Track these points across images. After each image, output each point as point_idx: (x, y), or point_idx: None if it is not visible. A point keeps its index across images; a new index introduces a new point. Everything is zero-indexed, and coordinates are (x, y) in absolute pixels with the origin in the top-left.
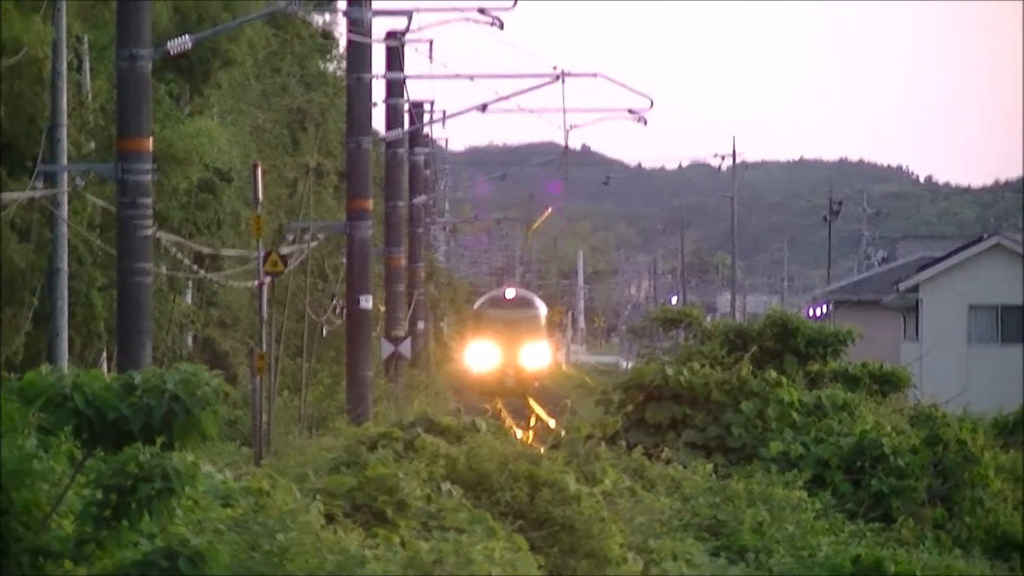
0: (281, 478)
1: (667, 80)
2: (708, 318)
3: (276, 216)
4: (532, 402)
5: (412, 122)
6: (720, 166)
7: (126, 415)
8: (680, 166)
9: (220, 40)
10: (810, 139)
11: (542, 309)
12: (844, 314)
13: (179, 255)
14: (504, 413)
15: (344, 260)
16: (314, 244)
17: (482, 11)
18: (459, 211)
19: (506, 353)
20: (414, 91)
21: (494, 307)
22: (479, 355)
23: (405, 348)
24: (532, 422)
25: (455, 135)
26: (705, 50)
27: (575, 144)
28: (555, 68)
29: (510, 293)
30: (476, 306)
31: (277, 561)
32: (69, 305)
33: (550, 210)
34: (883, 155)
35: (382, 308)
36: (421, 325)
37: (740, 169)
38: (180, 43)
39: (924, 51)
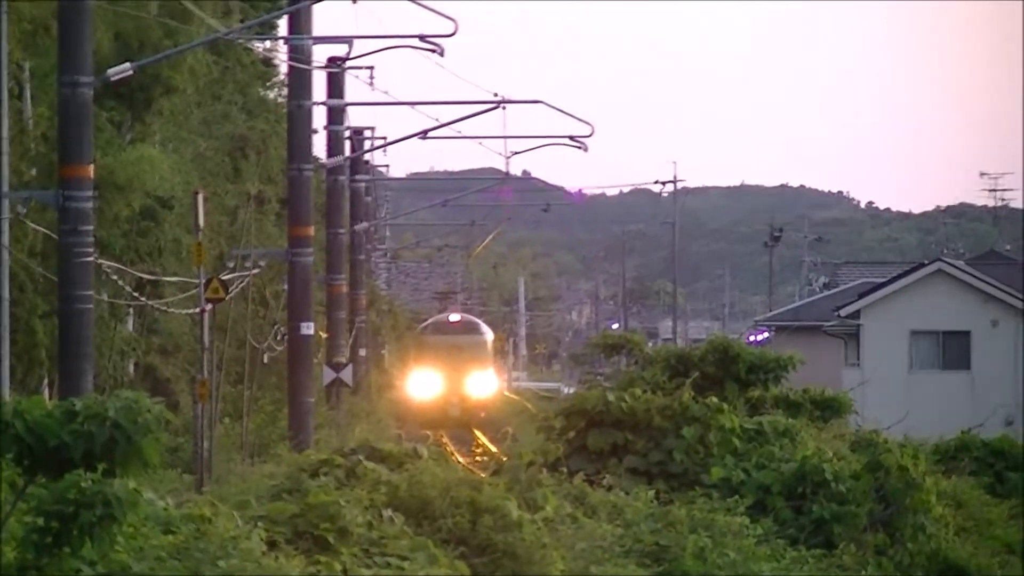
0: (223, 505)
1: (608, 107)
2: (650, 344)
3: (217, 243)
4: (478, 433)
5: (353, 149)
6: (661, 192)
7: (67, 442)
8: (621, 192)
9: (162, 67)
10: (751, 165)
11: (488, 335)
12: (785, 340)
13: (120, 282)
14: (446, 441)
15: (285, 287)
16: (255, 271)
17: (422, 38)
18: (401, 237)
19: (451, 381)
20: (355, 118)
21: (438, 332)
22: (422, 383)
23: (347, 375)
24: (477, 450)
25: (396, 162)
26: (646, 76)
27: (516, 170)
28: (496, 95)
29: (454, 317)
30: (419, 331)
31: None
32: (10, 332)
33: (497, 231)
34: (824, 181)
35: (324, 335)
36: (363, 352)
37: (681, 195)
38: (122, 70)
39: (865, 76)
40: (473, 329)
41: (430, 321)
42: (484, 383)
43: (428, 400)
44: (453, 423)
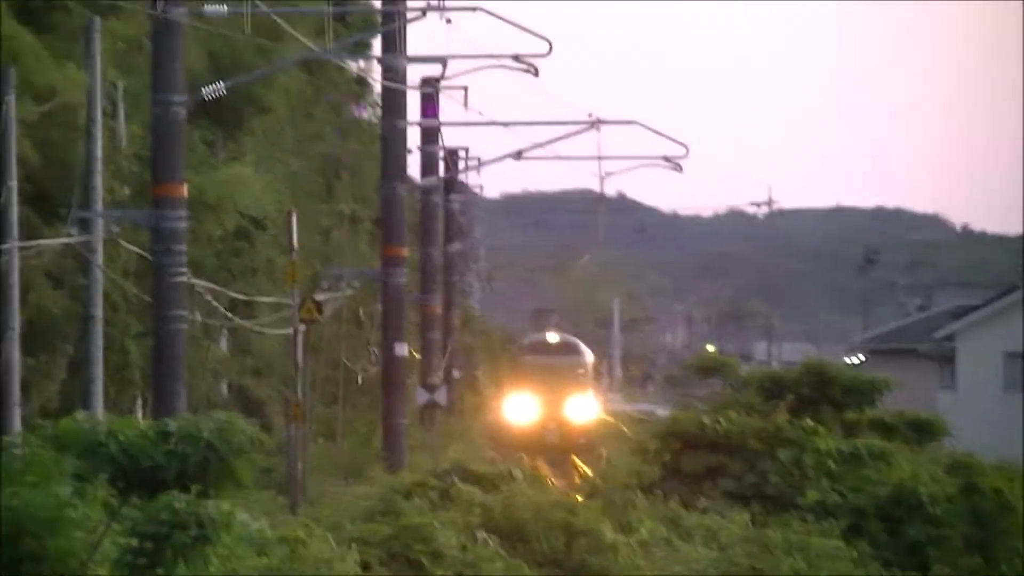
0: (317, 527)
1: (704, 127)
2: (744, 366)
3: (311, 263)
4: (575, 459)
5: (447, 169)
6: (756, 213)
7: (161, 463)
8: (716, 214)
9: (254, 87)
10: (847, 186)
11: (588, 356)
12: (880, 362)
13: (214, 302)
14: (540, 464)
15: (379, 307)
16: (349, 291)
17: (517, 58)
18: (494, 258)
19: (548, 405)
20: (449, 138)
21: (535, 353)
22: (518, 406)
23: (441, 396)
24: (572, 472)
25: (490, 182)
26: (741, 97)
27: (611, 191)
28: (590, 115)
29: (553, 337)
30: (515, 351)
31: None
32: (104, 352)
33: (587, 257)
34: (920, 202)
35: (417, 355)
36: (456, 373)
37: (776, 217)
38: (214, 89)
39: (963, 99)
40: (572, 350)
41: (526, 341)
42: (584, 407)
43: (524, 425)
44: (550, 449)
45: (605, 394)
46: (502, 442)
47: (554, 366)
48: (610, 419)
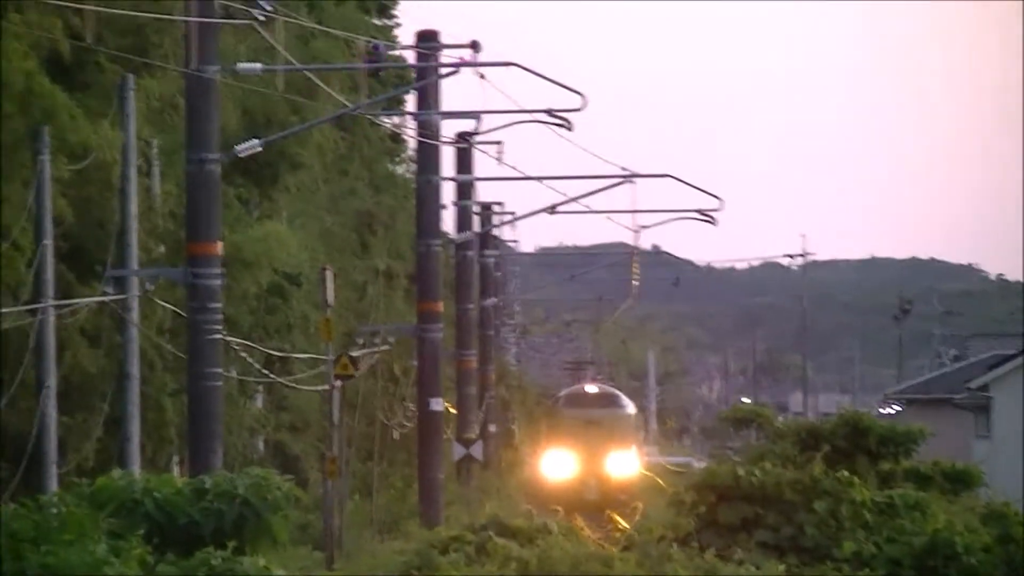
0: None
1: (737, 179)
2: (779, 417)
3: (346, 319)
4: (615, 516)
5: (482, 224)
6: (790, 265)
7: (197, 520)
8: (750, 266)
9: (289, 143)
10: (880, 237)
11: (629, 408)
12: (915, 413)
13: (249, 359)
14: (578, 520)
15: (415, 363)
16: (385, 347)
17: (551, 113)
18: (529, 312)
19: (587, 460)
20: (483, 192)
21: (573, 405)
22: (556, 463)
23: (477, 450)
24: (608, 525)
25: (525, 236)
26: (775, 149)
27: (645, 244)
28: (624, 169)
29: (591, 388)
30: (552, 404)
31: None
32: (140, 410)
33: (628, 304)
34: (954, 253)
35: (453, 410)
36: (492, 428)
37: (810, 268)
38: (249, 147)
39: (997, 147)
40: (613, 402)
41: (564, 393)
42: (625, 463)
43: (562, 481)
44: (590, 506)
45: (642, 447)
46: (539, 499)
47: (594, 419)
48: (646, 472)
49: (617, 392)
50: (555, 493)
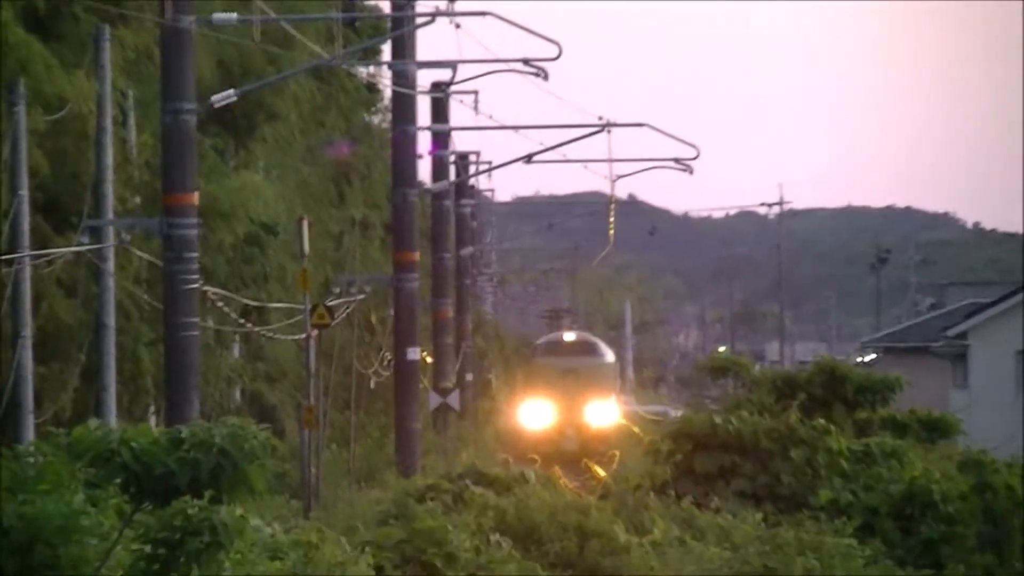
0: (330, 531)
1: (713, 128)
2: (756, 366)
3: (322, 269)
4: (594, 467)
5: (458, 173)
6: (767, 215)
7: (174, 469)
8: (727, 215)
9: (265, 94)
10: (857, 186)
11: (609, 356)
12: (892, 361)
13: (226, 309)
14: (556, 470)
15: (391, 312)
16: (361, 297)
17: (526, 62)
18: (506, 262)
19: (566, 410)
20: (460, 142)
21: (551, 354)
22: (534, 412)
23: (453, 400)
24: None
25: (501, 185)
26: (752, 98)
27: (622, 193)
28: (600, 118)
29: (570, 336)
30: (529, 352)
31: None
32: (116, 360)
33: (608, 248)
34: (930, 201)
35: (429, 360)
36: (469, 377)
37: (787, 217)
38: (225, 97)
39: (972, 95)
40: (592, 350)
41: (542, 341)
42: (605, 412)
43: (540, 431)
44: (568, 457)
45: (620, 396)
46: (517, 450)
47: (572, 368)
48: (624, 422)
49: (595, 340)
50: (533, 443)
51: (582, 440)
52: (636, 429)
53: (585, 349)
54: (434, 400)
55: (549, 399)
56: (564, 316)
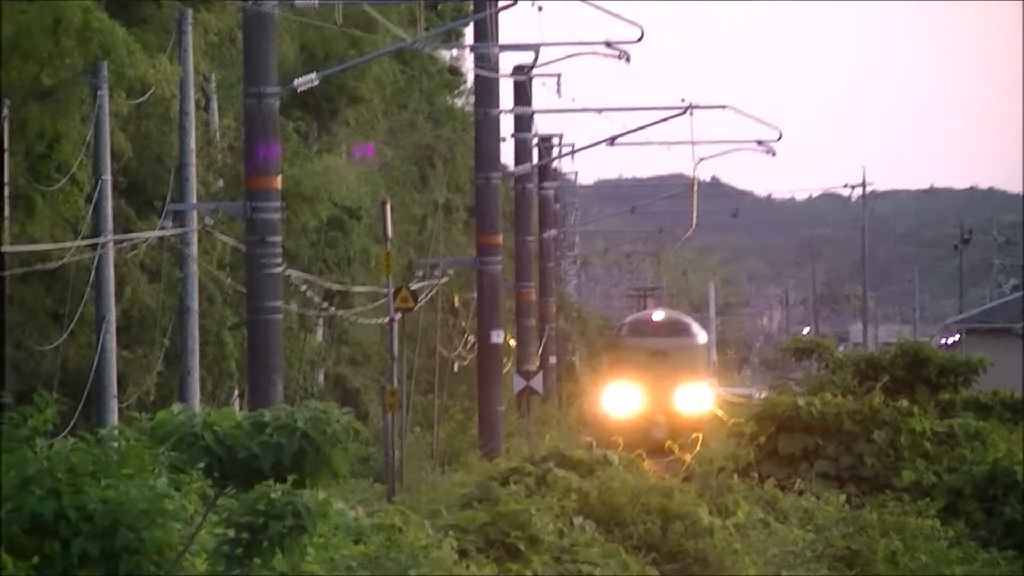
0: (413, 514)
1: (797, 109)
2: (840, 348)
3: (405, 252)
4: (676, 448)
5: (541, 156)
6: (850, 196)
7: (257, 453)
8: (810, 197)
9: (347, 77)
10: (940, 167)
11: (701, 336)
12: (976, 343)
13: (309, 293)
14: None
15: (474, 295)
16: (444, 280)
17: (609, 44)
18: (589, 244)
19: (654, 395)
20: (542, 125)
21: (638, 335)
22: (620, 398)
23: (537, 383)
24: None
25: (584, 168)
26: (834, 80)
27: (704, 176)
28: (683, 100)
29: (658, 315)
30: (614, 333)
31: None
32: (200, 344)
33: (692, 231)
34: (1013, 183)
35: (513, 343)
36: (552, 360)
37: (870, 199)
38: (307, 80)
39: None
40: (682, 330)
41: (628, 320)
42: (697, 398)
43: (627, 418)
44: (658, 445)
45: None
46: (601, 437)
47: (662, 349)
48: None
49: (687, 319)
50: (618, 431)
51: (672, 428)
52: (720, 412)
53: (675, 329)
54: (517, 383)
55: (636, 383)
56: (651, 295)
